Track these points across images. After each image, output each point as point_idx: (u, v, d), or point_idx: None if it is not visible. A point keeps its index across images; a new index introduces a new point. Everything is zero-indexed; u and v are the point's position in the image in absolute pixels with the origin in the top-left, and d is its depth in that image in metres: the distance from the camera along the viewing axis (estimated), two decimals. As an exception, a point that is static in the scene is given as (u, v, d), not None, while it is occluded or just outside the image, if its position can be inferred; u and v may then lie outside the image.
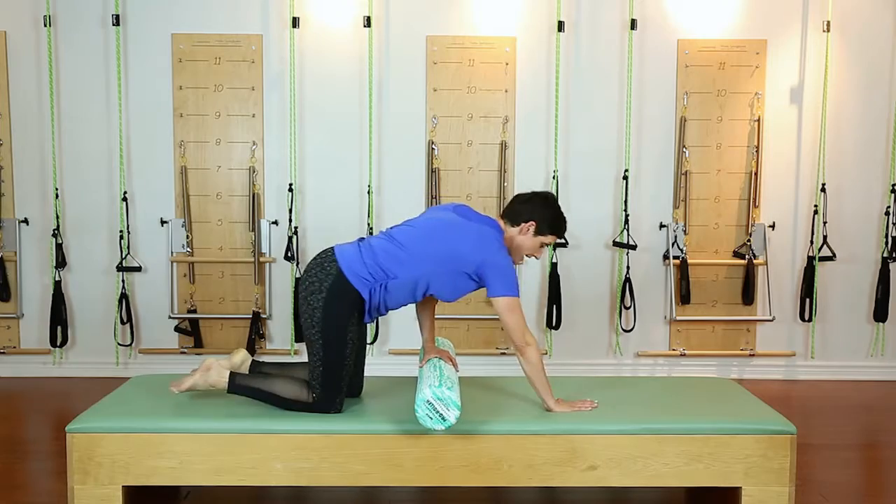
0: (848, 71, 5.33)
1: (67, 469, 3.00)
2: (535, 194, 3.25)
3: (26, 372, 5.37)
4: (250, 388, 3.15)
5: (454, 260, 3.07)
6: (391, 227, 3.24)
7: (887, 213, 5.35)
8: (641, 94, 5.32)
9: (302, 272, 3.15)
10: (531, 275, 5.39)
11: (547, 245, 3.23)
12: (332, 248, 3.15)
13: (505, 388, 3.44)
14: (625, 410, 3.17)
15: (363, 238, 3.21)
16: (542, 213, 3.18)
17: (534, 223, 3.16)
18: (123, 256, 5.25)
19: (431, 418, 2.86)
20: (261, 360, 3.37)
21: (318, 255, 3.16)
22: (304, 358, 5.23)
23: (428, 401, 2.86)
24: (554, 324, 5.26)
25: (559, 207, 3.25)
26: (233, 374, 3.16)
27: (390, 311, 3.19)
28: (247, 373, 3.26)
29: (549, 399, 3.13)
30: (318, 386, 3.08)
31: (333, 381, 3.08)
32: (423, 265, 3.07)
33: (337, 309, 3.04)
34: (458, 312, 5.31)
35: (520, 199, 3.25)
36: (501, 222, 3.21)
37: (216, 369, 3.16)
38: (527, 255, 3.24)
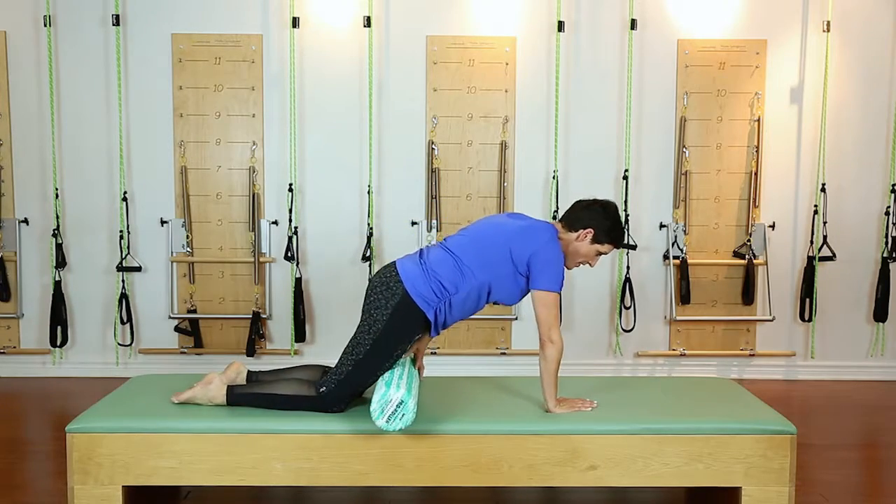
0: (848, 71, 5.33)
1: (67, 469, 3.00)
2: (595, 201, 3.22)
3: (26, 372, 5.37)
4: (249, 394, 3.14)
5: (507, 261, 3.07)
6: (447, 237, 3.24)
7: (887, 213, 5.35)
8: (641, 94, 5.32)
9: (367, 286, 3.19)
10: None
11: (604, 253, 3.21)
12: (395, 265, 3.13)
13: (505, 388, 3.44)
14: (625, 410, 3.17)
15: (422, 250, 3.19)
16: (602, 220, 3.15)
17: (592, 230, 3.15)
18: (123, 256, 5.25)
19: (401, 417, 2.87)
20: (256, 370, 3.37)
21: (382, 271, 3.15)
22: (302, 360, 5.24)
23: (386, 422, 2.88)
24: (554, 324, 5.25)
25: (619, 217, 3.22)
26: (230, 387, 3.16)
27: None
28: (244, 383, 3.26)
29: (552, 400, 3.13)
30: (334, 382, 3.07)
31: (354, 384, 3.08)
32: (480, 274, 3.08)
33: (399, 327, 3.05)
34: (458, 312, 5.30)
35: (580, 204, 3.23)
36: (559, 226, 3.20)
37: (216, 384, 3.16)
38: (580, 263, 3.23)
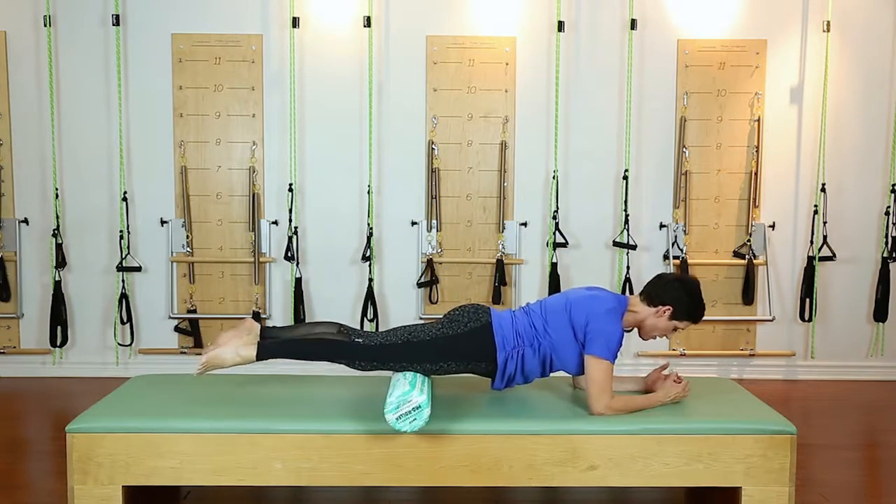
0: (848, 71, 5.33)
1: (67, 469, 2.99)
2: (678, 279, 3.25)
3: (26, 372, 5.37)
4: (281, 342, 3.12)
5: (567, 327, 3.13)
6: (529, 304, 3.30)
7: (887, 213, 5.35)
8: (641, 94, 5.32)
9: (455, 308, 3.28)
10: (531, 274, 5.39)
11: (680, 330, 3.24)
12: (488, 306, 3.24)
13: (505, 388, 3.43)
14: (625, 410, 3.17)
15: (513, 310, 3.27)
16: (683, 299, 3.17)
17: (671, 308, 3.16)
18: (123, 256, 5.25)
19: (412, 421, 2.88)
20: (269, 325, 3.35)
21: (473, 304, 3.24)
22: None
23: (396, 419, 2.88)
24: (554, 324, 5.25)
25: (701, 295, 3.22)
26: (260, 341, 3.12)
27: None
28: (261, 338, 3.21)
29: (650, 405, 3.16)
30: (375, 342, 3.09)
31: (390, 357, 3.10)
32: (545, 337, 3.14)
33: (462, 347, 3.10)
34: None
35: (663, 279, 3.25)
36: (637, 299, 3.23)
37: (246, 340, 3.10)
38: (656, 336, 3.26)
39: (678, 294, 3.16)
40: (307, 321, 3.37)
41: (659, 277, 3.27)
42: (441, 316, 3.29)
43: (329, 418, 3.05)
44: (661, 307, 3.17)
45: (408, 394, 2.89)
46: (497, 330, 3.12)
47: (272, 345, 3.13)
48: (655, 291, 3.20)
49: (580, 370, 3.18)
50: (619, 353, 3.12)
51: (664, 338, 3.30)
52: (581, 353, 3.13)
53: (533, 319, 3.17)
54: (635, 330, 3.27)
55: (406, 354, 3.10)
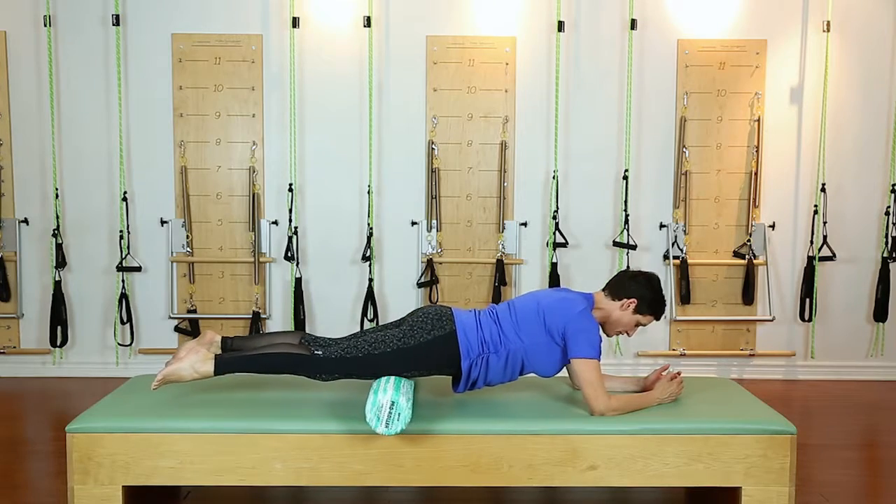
0: (848, 71, 5.33)
1: (67, 469, 3.00)
2: (640, 273, 3.31)
3: (26, 372, 5.37)
4: (240, 358, 3.07)
5: (541, 331, 3.13)
6: (495, 306, 3.30)
7: (887, 213, 5.35)
8: (641, 94, 5.32)
9: (416, 308, 3.31)
10: (531, 275, 5.39)
11: (643, 325, 3.27)
12: (451, 308, 3.22)
13: (505, 388, 3.44)
14: (625, 410, 3.17)
15: (476, 311, 3.26)
16: (646, 292, 3.22)
17: (635, 301, 3.21)
18: (123, 256, 5.25)
19: (398, 417, 2.88)
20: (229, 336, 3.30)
21: (436, 307, 3.22)
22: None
23: (386, 427, 2.89)
24: (554, 324, 5.25)
25: (662, 290, 3.30)
26: (217, 355, 3.08)
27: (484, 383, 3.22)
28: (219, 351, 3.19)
29: (646, 404, 3.17)
30: (335, 354, 3.06)
31: (352, 369, 3.08)
32: (515, 341, 3.14)
33: (426, 356, 3.10)
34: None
35: (625, 275, 3.32)
36: (601, 295, 3.26)
37: (203, 354, 3.05)
38: (620, 332, 3.28)
39: (641, 288, 3.23)
40: (268, 332, 3.36)
41: (622, 273, 3.35)
42: (404, 316, 3.27)
43: (329, 418, 3.05)
44: (625, 300, 3.21)
45: (376, 401, 2.90)
46: (461, 338, 3.11)
47: (230, 359, 3.08)
48: (620, 286, 3.25)
49: (555, 372, 3.21)
50: (601, 349, 3.15)
51: (626, 335, 3.32)
52: (558, 356, 3.15)
53: (502, 325, 3.16)
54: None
55: (367, 365, 3.08)
